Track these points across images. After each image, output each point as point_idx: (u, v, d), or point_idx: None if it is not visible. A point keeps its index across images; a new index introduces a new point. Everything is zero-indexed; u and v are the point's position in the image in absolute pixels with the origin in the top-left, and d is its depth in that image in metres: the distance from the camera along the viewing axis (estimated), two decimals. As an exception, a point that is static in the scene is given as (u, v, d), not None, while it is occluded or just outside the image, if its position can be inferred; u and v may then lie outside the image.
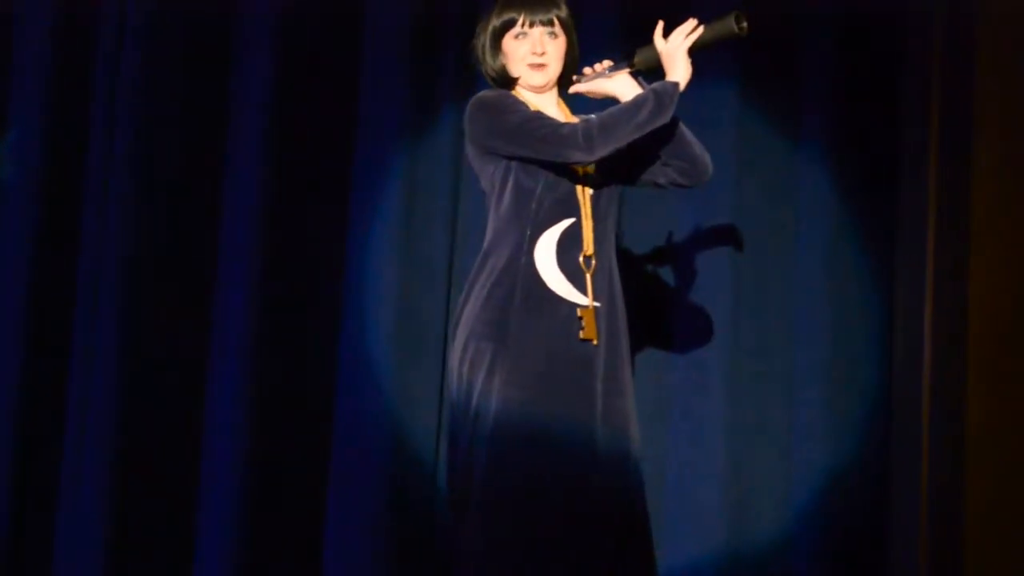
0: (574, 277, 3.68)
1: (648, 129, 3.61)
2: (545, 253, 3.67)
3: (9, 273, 4.81)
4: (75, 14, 4.83)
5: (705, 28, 3.63)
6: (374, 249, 4.63)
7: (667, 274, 4.62)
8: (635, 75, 3.72)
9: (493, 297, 3.65)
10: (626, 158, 3.70)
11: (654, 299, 4.57)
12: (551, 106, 3.79)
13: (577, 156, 3.61)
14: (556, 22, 3.77)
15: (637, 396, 3.75)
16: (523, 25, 3.75)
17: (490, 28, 3.78)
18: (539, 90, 3.78)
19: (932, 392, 4.35)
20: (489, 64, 3.78)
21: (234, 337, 4.67)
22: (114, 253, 4.73)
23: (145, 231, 4.71)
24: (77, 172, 4.80)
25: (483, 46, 3.79)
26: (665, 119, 3.62)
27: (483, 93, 3.74)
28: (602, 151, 3.60)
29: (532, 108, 3.72)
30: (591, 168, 3.70)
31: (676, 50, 3.64)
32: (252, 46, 4.75)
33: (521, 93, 3.78)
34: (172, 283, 4.72)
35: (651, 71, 3.69)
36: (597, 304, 3.68)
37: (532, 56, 3.75)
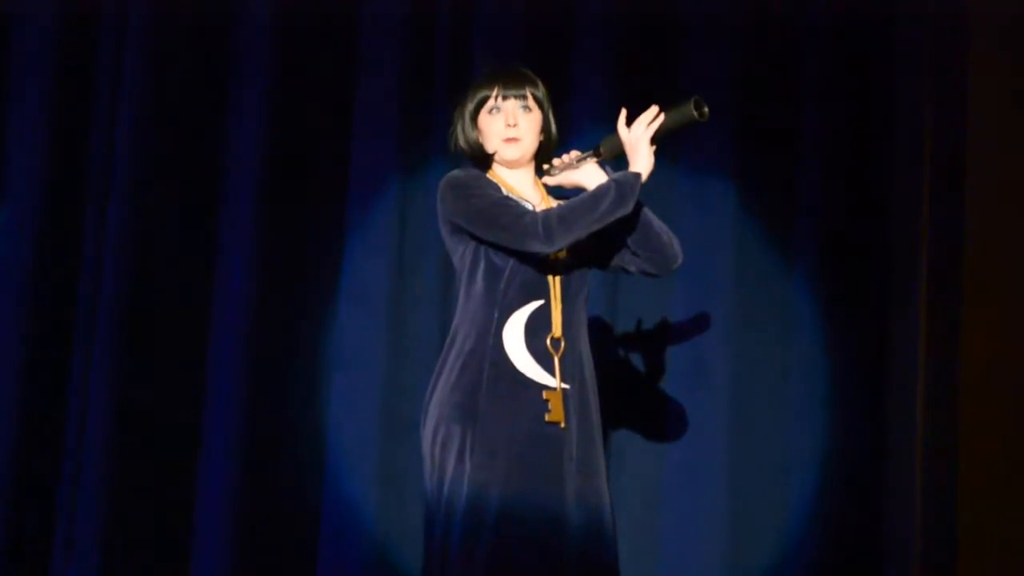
0: (542, 359, 3.66)
1: (609, 220, 3.60)
2: (513, 335, 3.65)
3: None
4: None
5: (666, 115, 3.62)
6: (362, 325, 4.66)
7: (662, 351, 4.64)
8: (602, 164, 3.72)
9: (462, 379, 3.64)
10: (594, 244, 3.69)
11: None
12: (527, 183, 3.80)
13: (536, 247, 3.61)
14: (530, 97, 3.77)
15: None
16: (496, 99, 3.77)
17: (467, 103, 3.79)
18: (514, 164, 3.78)
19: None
20: (465, 141, 3.78)
21: (223, 396, 4.68)
22: (110, 309, 4.73)
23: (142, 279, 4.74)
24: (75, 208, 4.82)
25: (460, 125, 3.79)
26: (626, 210, 3.61)
27: (455, 172, 3.75)
28: (561, 243, 3.60)
29: (506, 188, 3.73)
30: (562, 252, 3.68)
31: (638, 140, 3.64)
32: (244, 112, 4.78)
33: (497, 172, 3.79)
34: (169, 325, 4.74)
35: (617, 159, 3.68)
36: (566, 386, 3.66)
37: (506, 129, 3.75)
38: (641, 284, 4.49)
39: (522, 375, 3.64)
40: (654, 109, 3.63)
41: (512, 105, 3.76)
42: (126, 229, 4.74)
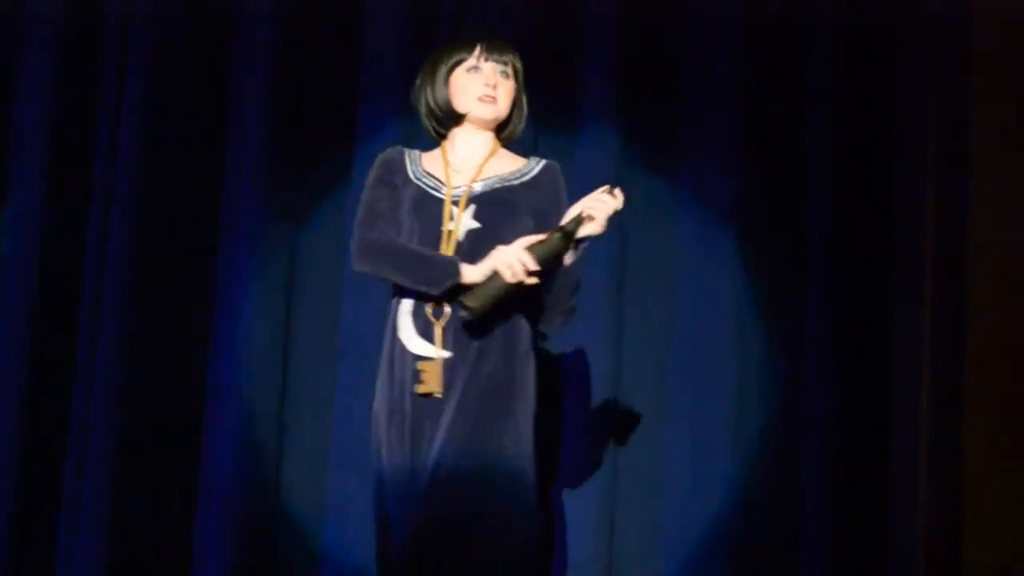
0: (425, 330, 3.65)
1: (410, 285, 3.65)
2: (406, 307, 3.68)
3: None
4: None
5: (540, 245, 3.58)
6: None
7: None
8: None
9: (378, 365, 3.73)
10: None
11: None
12: (477, 152, 3.78)
13: (352, 254, 3.74)
14: (511, 65, 3.79)
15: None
16: (477, 59, 3.77)
17: (441, 61, 3.79)
18: (482, 126, 3.78)
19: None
20: (431, 99, 3.78)
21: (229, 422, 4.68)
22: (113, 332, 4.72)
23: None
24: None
25: (429, 82, 3.79)
26: (432, 292, 3.62)
27: (384, 152, 3.81)
28: (360, 269, 3.70)
29: (448, 158, 3.75)
30: (457, 229, 3.68)
31: (506, 251, 3.60)
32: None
33: (454, 136, 3.79)
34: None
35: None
36: (447, 355, 3.61)
37: (484, 88, 3.74)
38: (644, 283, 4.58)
39: (404, 348, 3.64)
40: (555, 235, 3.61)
41: (492, 67, 3.77)
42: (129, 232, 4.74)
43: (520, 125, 3.85)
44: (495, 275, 3.59)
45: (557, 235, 3.59)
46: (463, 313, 3.58)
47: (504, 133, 3.84)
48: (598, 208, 3.59)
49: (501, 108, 3.78)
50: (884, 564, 4.38)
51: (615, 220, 3.64)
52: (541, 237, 3.60)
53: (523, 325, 3.68)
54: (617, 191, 3.60)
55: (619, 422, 4.55)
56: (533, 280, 3.57)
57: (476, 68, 3.77)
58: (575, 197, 3.71)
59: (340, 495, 4.58)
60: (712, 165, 4.59)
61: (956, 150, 4.37)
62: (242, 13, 4.80)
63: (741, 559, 4.47)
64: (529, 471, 3.62)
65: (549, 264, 3.60)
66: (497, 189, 3.75)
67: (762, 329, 4.56)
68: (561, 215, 3.68)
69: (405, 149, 3.84)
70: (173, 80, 4.79)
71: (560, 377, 4.57)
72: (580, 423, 4.56)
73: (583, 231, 3.60)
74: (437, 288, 3.60)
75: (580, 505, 4.51)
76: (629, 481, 4.53)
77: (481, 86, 3.75)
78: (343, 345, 4.65)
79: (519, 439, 3.62)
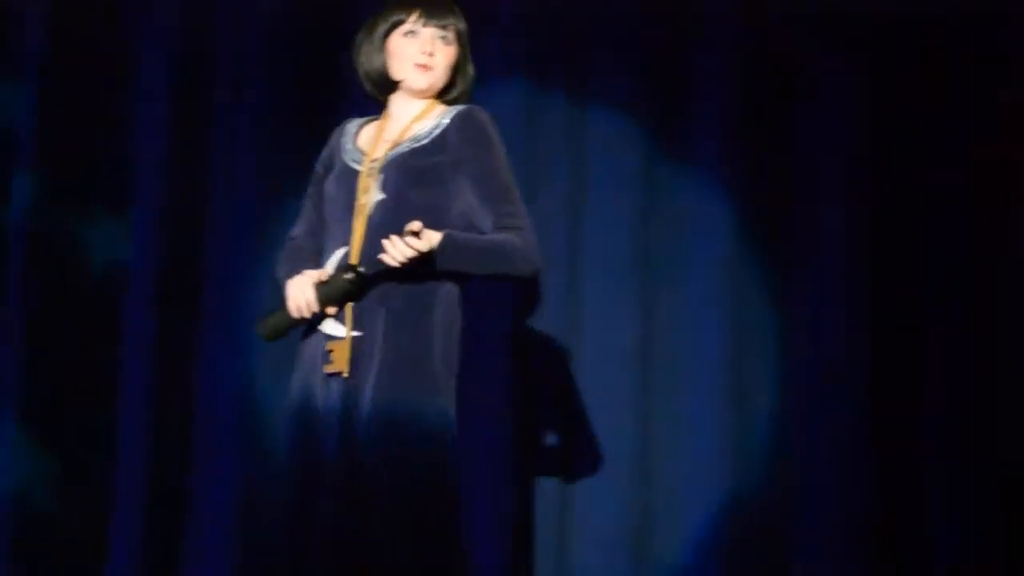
0: (337, 312, 3.47)
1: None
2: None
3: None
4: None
5: (326, 284, 3.47)
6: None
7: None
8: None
9: None
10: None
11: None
12: (408, 116, 3.59)
13: None
14: (451, 28, 3.59)
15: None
16: (415, 23, 3.58)
17: (377, 25, 3.60)
18: (419, 95, 3.61)
19: None
20: (367, 65, 3.63)
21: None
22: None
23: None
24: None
25: (366, 43, 3.63)
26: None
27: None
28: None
29: (383, 124, 3.61)
30: (368, 192, 3.52)
31: (296, 285, 3.49)
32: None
33: (392, 105, 3.64)
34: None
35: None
36: (357, 334, 3.43)
37: (420, 55, 3.56)
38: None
39: (317, 330, 3.50)
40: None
41: (431, 33, 3.57)
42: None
43: (464, 90, 3.64)
44: (285, 306, 3.51)
45: (347, 276, 3.43)
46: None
47: (446, 98, 3.63)
48: (396, 253, 3.35)
49: (438, 76, 3.58)
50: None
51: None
52: (330, 273, 3.48)
53: (440, 298, 3.48)
54: (424, 233, 3.35)
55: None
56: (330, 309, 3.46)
57: (413, 32, 3.57)
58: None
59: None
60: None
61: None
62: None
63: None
64: (445, 450, 3.42)
65: (334, 303, 3.45)
66: (405, 154, 3.54)
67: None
68: (477, 161, 3.51)
69: (352, 120, 3.70)
70: (286, 86, 4.82)
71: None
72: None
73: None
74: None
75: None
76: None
77: (417, 52, 3.56)
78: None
79: (439, 414, 3.43)
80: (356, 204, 3.51)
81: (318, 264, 3.54)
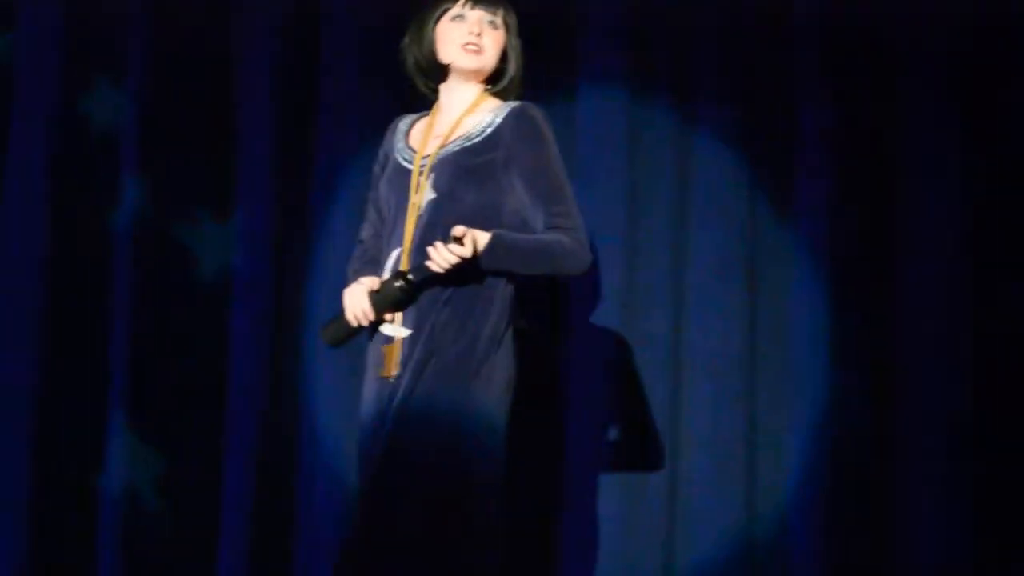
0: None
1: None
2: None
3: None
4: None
5: (377, 293, 3.53)
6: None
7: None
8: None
9: None
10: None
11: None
12: (461, 106, 3.62)
13: None
14: (499, 15, 3.62)
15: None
16: (463, 7, 3.62)
17: (426, 16, 3.65)
18: (467, 77, 3.62)
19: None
20: (417, 54, 3.65)
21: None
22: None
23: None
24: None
25: (415, 34, 3.65)
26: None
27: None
28: None
29: (431, 115, 3.63)
30: (418, 193, 3.55)
31: (352, 295, 3.58)
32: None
33: (442, 94, 3.66)
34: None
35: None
36: (406, 334, 3.50)
37: (468, 36, 3.58)
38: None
39: (380, 332, 3.56)
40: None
41: (478, 16, 3.60)
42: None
43: (513, 79, 3.67)
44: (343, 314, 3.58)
45: (397, 283, 3.49)
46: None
47: (496, 87, 3.66)
48: (441, 260, 3.41)
49: (487, 58, 3.60)
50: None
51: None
52: (381, 281, 3.54)
53: (495, 297, 3.52)
54: (467, 238, 3.40)
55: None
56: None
57: (461, 16, 3.60)
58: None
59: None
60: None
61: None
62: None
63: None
64: (490, 450, 3.46)
65: (389, 311, 3.52)
66: (456, 152, 3.57)
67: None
68: (530, 159, 3.54)
69: (404, 117, 3.76)
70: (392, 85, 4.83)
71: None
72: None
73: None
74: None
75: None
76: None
77: (465, 34, 3.59)
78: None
79: (485, 414, 3.46)
80: (408, 203, 3.55)
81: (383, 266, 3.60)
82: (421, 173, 3.56)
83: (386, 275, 3.55)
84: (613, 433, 4.58)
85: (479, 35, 3.57)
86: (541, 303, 4.51)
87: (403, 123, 3.72)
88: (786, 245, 4.57)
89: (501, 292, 3.52)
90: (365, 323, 3.53)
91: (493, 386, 3.47)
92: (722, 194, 4.57)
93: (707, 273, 4.56)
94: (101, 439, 4.81)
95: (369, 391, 3.56)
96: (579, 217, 3.56)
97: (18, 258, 4.85)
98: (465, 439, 3.42)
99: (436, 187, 3.53)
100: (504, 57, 3.64)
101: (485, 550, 3.42)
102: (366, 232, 3.74)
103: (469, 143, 3.56)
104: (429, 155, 3.57)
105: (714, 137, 4.59)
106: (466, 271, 3.43)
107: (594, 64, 4.61)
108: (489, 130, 3.56)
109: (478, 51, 3.58)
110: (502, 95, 3.66)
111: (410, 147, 3.63)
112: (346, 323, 3.58)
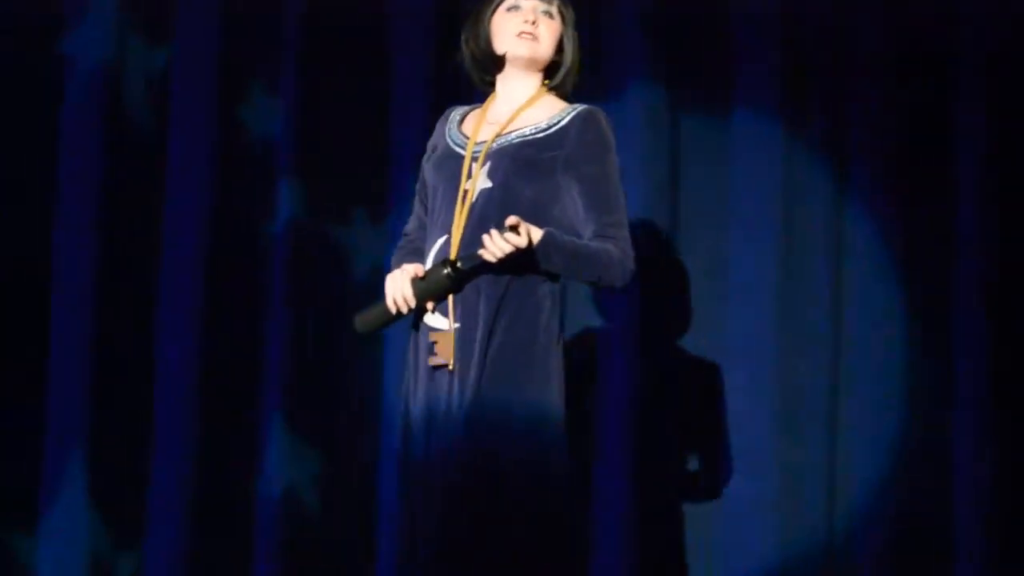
0: (441, 304, 3.49)
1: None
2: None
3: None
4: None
5: (423, 280, 3.46)
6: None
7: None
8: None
9: None
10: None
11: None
12: (523, 96, 3.60)
13: None
14: (555, 5, 3.61)
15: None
16: None
17: (482, 10, 3.64)
18: (524, 66, 3.59)
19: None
20: (474, 44, 3.63)
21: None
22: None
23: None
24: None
25: (472, 28, 3.64)
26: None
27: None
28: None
29: (497, 107, 3.60)
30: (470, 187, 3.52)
31: (394, 280, 3.53)
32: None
33: (499, 84, 3.64)
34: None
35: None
36: (457, 325, 3.44)
37: (523, 24, 3.56)
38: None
39: (423, 323, 3.51)
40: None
41: (533, 6, 3.59)
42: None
43: (571, 69, 3.64)
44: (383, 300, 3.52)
45: (445, 271, 3.43)
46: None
47: (554, 80, 3.64)
48: (495, 248, 3.36)
49: (542, 46, 3.58)
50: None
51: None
52: (427, 268, 3.48)
53: (543, 294, 3.49)
54: (523, 228, 3.36)
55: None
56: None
57: (516, 7, 3.59)
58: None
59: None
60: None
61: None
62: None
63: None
64: (552, 445, 3.42)
65: (433, 299, 3.46)
66: (516, 144, 3.54)
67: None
68: (592, 165, 3.51)
69: (456, 108, 3.73)
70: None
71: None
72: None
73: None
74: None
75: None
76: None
77: (520, 23, 3.57)
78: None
79: (546, 408, 3.42)
80: (459, 190, 3.52)
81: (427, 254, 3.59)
82: (475, 159, 3.54)
83: (430, 262, 3.53)
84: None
85: (534, 23, 3.57)
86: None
87: (456, 113, 3.72)
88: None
89: (551, 294, 3.51)
90: (405, 310, 3.49)
91: (550, 389, 3.46)
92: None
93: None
94: (258, 441, 4.86)
95: (416, 381, 3.52)
96: (627, 229, 3.55)
97: (180, 263, 4.93)
98: (537, 434, 3.41)
99: (491, 176, 3.52)
100: (560, 49, 3.64)
101: (572, 553, 3.44)
102: (411, 225, 3.74)
103: (532, 136, 3.54)
104: (484, 142, 3.56)
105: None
106: (512, 266, 3.40)
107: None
108: (555, 127, 3.55)
109: (533, 38, 3.57)
110: (560, 90, 3.65)
111: (463, 133, 3.62)
112: (385, 309, 3.52)
